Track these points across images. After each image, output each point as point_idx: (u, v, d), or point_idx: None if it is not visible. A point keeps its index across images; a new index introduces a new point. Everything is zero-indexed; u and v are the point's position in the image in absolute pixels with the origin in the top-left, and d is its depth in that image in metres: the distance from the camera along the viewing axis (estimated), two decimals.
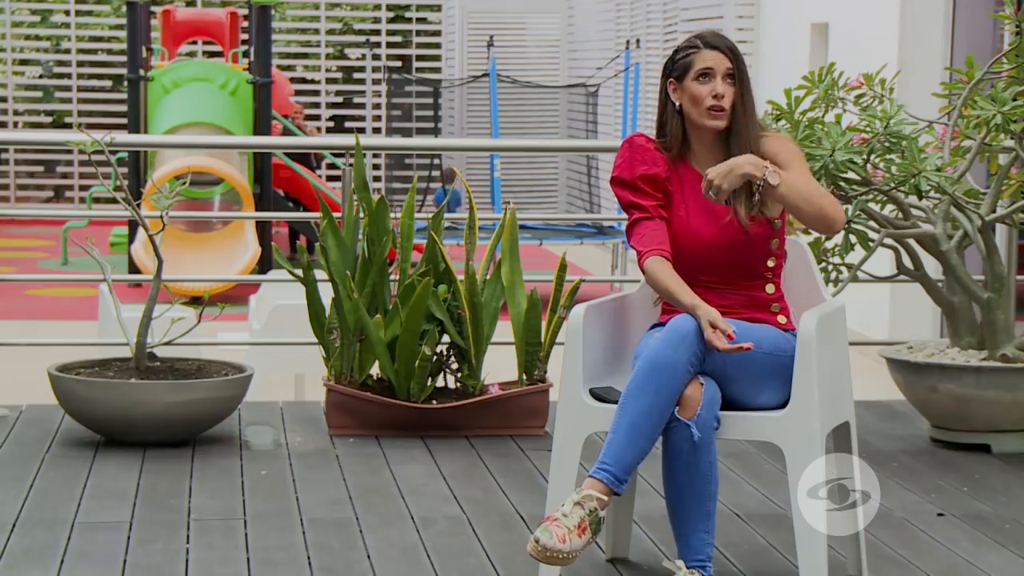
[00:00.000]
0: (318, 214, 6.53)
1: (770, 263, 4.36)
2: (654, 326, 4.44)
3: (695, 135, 4.36)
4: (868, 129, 5.93)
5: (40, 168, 22.71)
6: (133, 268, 15.36)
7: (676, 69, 4.32)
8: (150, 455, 5.75)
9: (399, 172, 20.92)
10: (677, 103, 4.33)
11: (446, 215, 6.58)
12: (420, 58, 23.17)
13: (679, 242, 4.33)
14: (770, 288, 4.37)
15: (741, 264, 4.32)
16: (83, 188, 21.83)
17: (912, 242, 6.19)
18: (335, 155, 18.50)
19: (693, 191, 4.34)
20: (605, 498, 4.04)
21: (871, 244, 5.94)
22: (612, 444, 4.07)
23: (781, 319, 4.36)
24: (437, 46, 22.96)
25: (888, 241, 6.08)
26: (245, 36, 18.90)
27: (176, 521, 4.94)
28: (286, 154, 16.72)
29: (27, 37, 22.93)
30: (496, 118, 18.95)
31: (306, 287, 6.18)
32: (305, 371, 8.44)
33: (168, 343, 6.02)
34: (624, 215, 4.42)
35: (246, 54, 17.69)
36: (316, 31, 23.02)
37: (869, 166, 5.95)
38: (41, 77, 23.01)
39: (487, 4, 21.33)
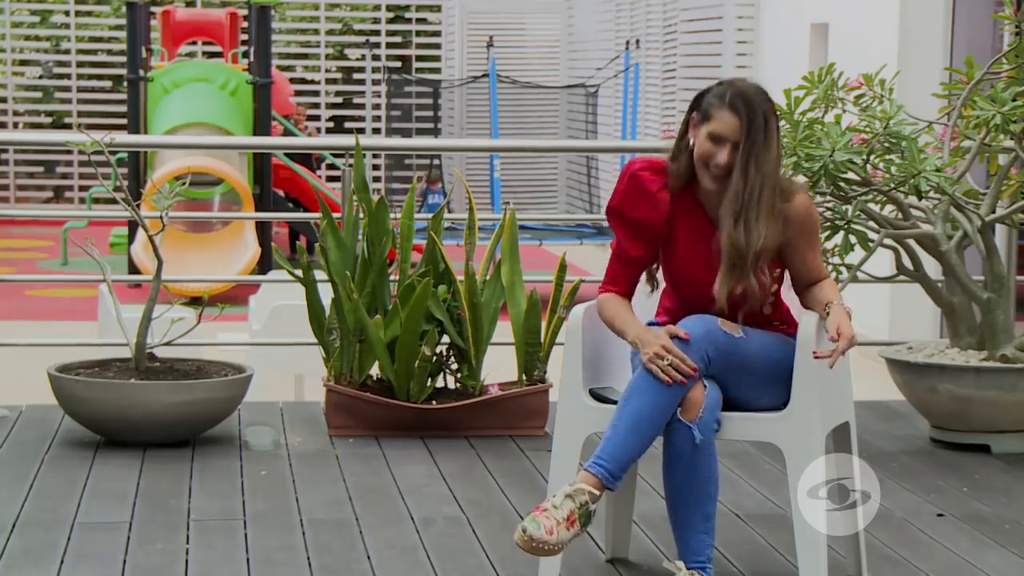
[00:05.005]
0: (318, 214, 6.53)
1: (769, 300, 4.33)
2: (649, 324, 4.41)
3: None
4: (868, 129, 5.93)
5: (40, 168, 22.69)
6: (133, 268, 15.34)
7: (700, 109, 4.21)
8: (150, 455, 5.75)
9: (399, 172, 20.90)
10: (692, 140, 4.24)
11: (446, 216, 6.58)
12: (420, 58, 23.15)
13: (679, 282, 4.32)
14: (767, 309, 4.33)
15: (740, 306, 4.29)
16: (83, 188, 21.79)
17: (912, 242, 6.19)
18: (335, 155, 18.48)
19: (696, 228, 4.29)
20: (597, 492, 4.03)
21: (871, 244, 5.93)
22: (610, 440, 4.07)
23: (783, 327, 4.35)
24: (437, 46, 22.93)
25: (888, 241, 6.08)
26: (245, 36, 18.88)
27: (176, 521, 4.94)
28: (286, 154, 16.71)
29: (27, 37, 22.90)
30: (496, 118, 18.94)
31: (306, 287, 6.18)
32: (305, 371, 8.43)
33: (168, 343, 6.02)
34: None
35: (246, 54, 17.67)
36: (316, 31, 22.99)
37: (869, 166, 5.95)
38: (41, 77, 22.99)
39: (487, 4, 21.31)
